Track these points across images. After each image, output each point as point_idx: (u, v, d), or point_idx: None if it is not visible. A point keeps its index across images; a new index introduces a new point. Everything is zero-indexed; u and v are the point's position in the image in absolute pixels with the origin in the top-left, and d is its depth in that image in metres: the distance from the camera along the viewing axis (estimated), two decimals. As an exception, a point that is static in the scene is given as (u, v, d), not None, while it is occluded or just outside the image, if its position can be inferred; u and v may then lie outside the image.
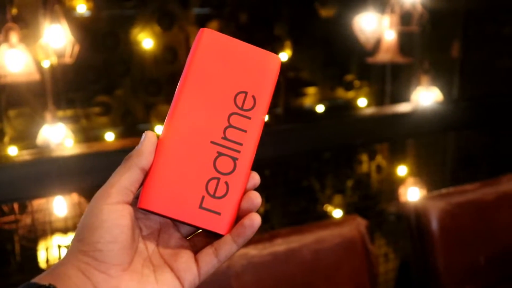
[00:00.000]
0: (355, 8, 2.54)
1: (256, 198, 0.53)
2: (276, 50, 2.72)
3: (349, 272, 1.59)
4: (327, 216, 2.75)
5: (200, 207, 0.52)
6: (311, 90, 2.95)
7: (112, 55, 2.62)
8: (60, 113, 2.33)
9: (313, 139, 2.20)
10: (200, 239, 0.55)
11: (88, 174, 1.78)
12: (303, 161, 2.70)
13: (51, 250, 2.07)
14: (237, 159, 0.53)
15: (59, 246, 2.09)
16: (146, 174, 0.52)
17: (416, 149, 2.79)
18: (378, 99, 2.89)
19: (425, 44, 2.71)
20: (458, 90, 2.73)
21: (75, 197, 2.08)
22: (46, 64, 2.09)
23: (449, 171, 2.80)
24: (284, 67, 2.77)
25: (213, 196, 0.52)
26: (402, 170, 2.70)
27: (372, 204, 2.71)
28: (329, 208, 2.78)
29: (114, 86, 2.70)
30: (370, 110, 2.63)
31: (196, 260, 0.53)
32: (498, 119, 2.57)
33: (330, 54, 2.90)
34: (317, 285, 1.50)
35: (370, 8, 2.49)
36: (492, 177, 2.06)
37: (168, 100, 2.80)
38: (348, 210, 2.70)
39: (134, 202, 0.53)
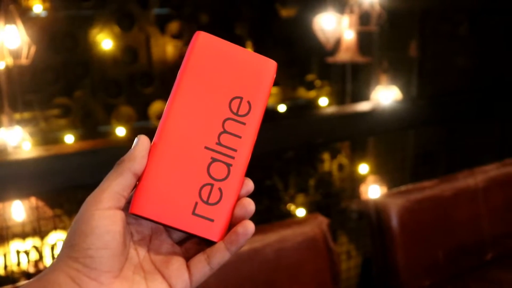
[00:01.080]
0: (315, 8, 2.56)
1: (249, 205, 0.52)
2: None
3: (312, 270, 1.60)
4: (290, 215, 2.77)
5: (193, 213, 0.51)
6: (273, 90, 2.96)
7: (70, 56, 2.58)
8: (17, 115, 2.28)
9: (275, 138, 2.21)
10: (192, 245, 0.54)
11: (47, 178, 1.75)
12: (266, 160, 2.71)
13: (9, 256, 2.02)
14: (231, 165, 0.52)
15: (18, 252, 2.05)
16: (139, 179, 0.51)
17: (377, 147, 2.84)
18: (339, 98, 2.92)
19: (383, 44, 2.75)
20: (416, 88, 2.78)
21: (33, 201, 2.03)
22: (1, 66, 2.04)
23: (409, 168, 2.86)
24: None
25: (207, 202, 0.52)
26: (363, 168, 2.73)
27: (334, 202, 2.74)
28: (292, 207, 2.80)
29: (73, 88, 2.66)
30: (331, 109, 2.65)
31: (188, 267, 0.52)
32: (454, 116, 2.63)
33: (291, 54, 2.91)
34: (280, 283, 1.51)
35: (330, 8, 2.52)
36: (450, 173, 2.11)
37: (129, 101, 2.77)
38: (311, 209, 2.73)
39: (126, 207, 0.51)
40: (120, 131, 2.68)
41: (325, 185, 2.83)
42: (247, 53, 0.56)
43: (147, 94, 2.79)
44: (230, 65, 0.54)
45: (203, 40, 0.55)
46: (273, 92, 2.96)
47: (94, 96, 2.71)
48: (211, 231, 0.51)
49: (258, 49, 2.77)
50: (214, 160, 0.52)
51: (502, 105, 2.71)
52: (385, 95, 2.56)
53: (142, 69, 2.79)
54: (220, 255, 0.51)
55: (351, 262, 2.53)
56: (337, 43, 2.57)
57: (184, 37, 2.71)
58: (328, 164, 2.90)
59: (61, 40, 2.52)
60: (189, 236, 0.54)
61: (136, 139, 0.52)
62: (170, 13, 2.74)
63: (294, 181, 2.85)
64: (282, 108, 2.91)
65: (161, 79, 2.80)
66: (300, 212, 2.72)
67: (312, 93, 3.04)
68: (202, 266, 0.51)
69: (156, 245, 0.53)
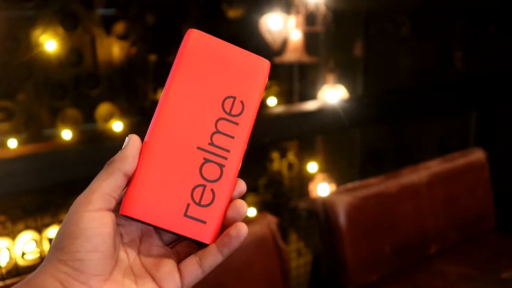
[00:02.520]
0: (262, 8, 2.58)
1: (242, 207, 0.51)
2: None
3: (261, 269, 1.61)
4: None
5: (185, 215, 0.50)
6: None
7: (12, 58, 2.50)
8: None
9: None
10: (183, 247, 0.53)
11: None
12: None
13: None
14: (224, 166, 0.52)
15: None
16: (129, 179, 0.50)
17: (325, 145, 2.88)
18: (287, 98, 2.95)
19: (329, 44, 2.79)
20: (361, 87, 2.83)
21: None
22: None
23: (357, 165, 2.91)
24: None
25: (199, 204, 0.51)
26: (312, 166, 2.77)
27: (284, 201, 2.76)
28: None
29: (16, 91, 2.58)
30: (279, 109, 2.68)
31: (179, 270, 0.51)
32: (398, 114, 2.70)
33: (239, 54, 2.91)
34: (230, 285, 1.52)
35: (276, 8, 2.54)
36: (395, 169, 2.17)
37: (75, 103, 2.72)
38: (262, 209, 2.74)
39: (116, 208, 0.50)
40: (66, 134, 2.62)
41: (274, 184, 2.85)
42: (240, 51, 0.55)
43: (93, 96, 2.74)
44: (223, 63, 0.54)
45: (195, 38, 0.54)
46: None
47: (38, 99, 2.64)
48: (203, 233, 0.50)
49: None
50: (206, 160, 0.52)
51: (443, 103, 2.79)
52: (332, 94, 2.60)
53: (88, 70, 2.73)
54: (212, 257, 0.50)
55: (301, 260, 2.55)
56: (284, 43, 2.59)
57: (130, 37, 2.68)
58: (278, 163, 2.92)
59: (2, 41, 2.45)
60: (181, 238, 0.53)
61: (127, 139, 0.50)
62: (115, 14, 2.70)
63: (244, 181, 2.86)
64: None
65: (107, 81, 2.76)
66: (251, 212, 2.74)
67: (260, 93, 3.05)
68: (194, 268, 0.50)
69: (147, 247, 0.52)
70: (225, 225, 0.51)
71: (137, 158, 0.50)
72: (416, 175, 2.12)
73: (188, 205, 0.51)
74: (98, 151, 1.86)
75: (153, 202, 0.50)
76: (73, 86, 2.68)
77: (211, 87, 0.53)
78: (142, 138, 0.52)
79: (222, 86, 0.53)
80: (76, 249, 0.46)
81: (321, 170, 2.77)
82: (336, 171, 2.79)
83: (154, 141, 0.51)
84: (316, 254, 2.49)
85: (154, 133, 0.51)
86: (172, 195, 0.50)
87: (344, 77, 2.71)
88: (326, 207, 1.89)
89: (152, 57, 2.70)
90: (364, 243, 1.94)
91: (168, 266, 0.51)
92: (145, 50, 2.66)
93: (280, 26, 2.55)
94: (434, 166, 2.21)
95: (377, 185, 2.02)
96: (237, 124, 0.53)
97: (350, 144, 2.90)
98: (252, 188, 2.86)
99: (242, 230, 0.50)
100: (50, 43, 2.56)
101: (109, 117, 2.70)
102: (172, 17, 2.73)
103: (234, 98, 0.53)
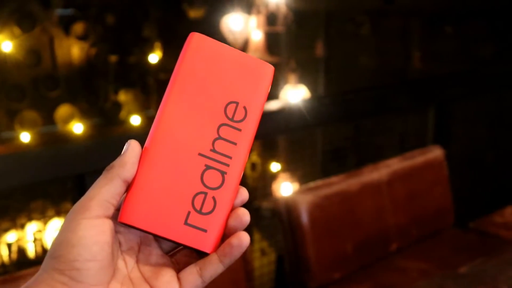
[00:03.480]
0: (223, 9, 2.58)
1: (244, 216, 0.49)
2: (145, 52, 2.68)
3: (224, 270, 1.61)
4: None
5: (185, 223, 0.49)
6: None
7: (-33, 60, 2.44)
8: None
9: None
10: (183, 256, 0.51)
11: None
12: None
13: None
14: (225, 173, 0.50)
15: None
16: (129, 186, 0.48)
17: (287, 145, 2.89)
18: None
19: (291, 44, 2.81)
20: (323, 87, 2.86)
21: None
22: None
23: (318, 164, 2.94)
24: (155, 68, 2.74)
25: (200, 212, 0.49)
26: (275, 166, 2.78)
27: (247, 201, 2.77)
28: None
29: (-29, 93, 2.51)
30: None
31: (179, 279, 0.49)
32: (359, 112, 2.74)
33: (201, 54, 2.91)
34: (193, 286, 1.51)
35: (237, 9, 2.54)
36: (357, 168, 2.20)
37: (34, 105, 2.66)
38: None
39: (115, 215, 0.48)
40: (25, 137, 2.57)
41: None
42: (244, 56, 0.53)
43: (52, 97, 2.70)
44: (225, 68, 0.52)
45: (197, 41, 0.52)
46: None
47: (-5, 101, 2.58)
48: (204, 242, 0.49)
49: (167, 51, 2.75)
50: (208, 167, 0.50)
51: (402, 101, 2.85)
52: (294, 94, 2.62)
53: (47, 72, 2.68)
54: (213, 267, 0.48)
55: (265, 259, 2.57)
56: (245, 43, 2.60)
57: (90, 38, 2.64)
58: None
59: (-44, 42, 2.38)
60: (181, 247, 0.52)
61: (126, 145, 0.49)
62: (74, 14, 2.66)
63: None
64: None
65: (67, 82, 2.71)
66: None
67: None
68: (194, 278, 0.48)
69: (145, 255, 0.51)
70: (227, 233, 0.50)
71: (137, 164, 0.49)
72: (376, 173, 2.16)
73: (189, 213, 0.49)
74: (58, 153, 1.83)
75: (153, 210, 0.48)
76: (31, 88, 2.63)
77: (213, 92, 0.51)
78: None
79: (224, 91, 0.52)
80: (73, 258, 0.45)
81: (284, 169, 2.78)
82: (298, 170, 2.81)
83: (154, 146, 0.49)
84: (280, 253, 2.50)
85: (154, 138, 0.50)
86: (172, 203, 0.49)
87: (305, 77, 2.73)
88: (288, 206, 1.90)
89: (113, 58, 2.67)
90: (326, 242, 1.96)
91: (168, 275, 0.49)
92: (105, 51, 2.63)
93: (241, 26, 2.56)
94: (394, 164, 2.25)
95: (338, 183, 2.05)
96: (239, 130, 0.52)
97: (312, 143, 2.93)
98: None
99: (244, 239, 0.48)
100: (6, 44, 2.50)
101: (69, 119, 2.66)
102: (132, 17, 2.71)
103: (237, 103, 0.52)
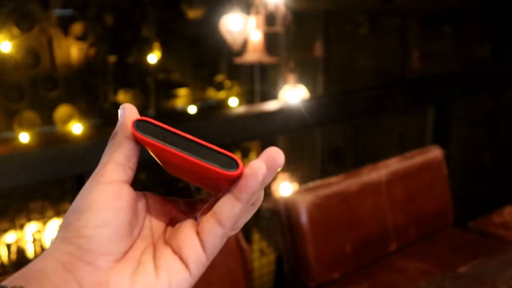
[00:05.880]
0: (222, 9, 2.58)
1: (277, 154, 0.42)
2: (144, 52, 2.68)
3: (224, 270, 1.61)
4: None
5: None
6: (183, 92, 2.95)
7: (-34, 60, 2.44)
8: None
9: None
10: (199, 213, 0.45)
11: None
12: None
13: None
14: None
15: None
16: None
17: (287, 145, 2.90)
18: (248, 98, 2.96)
19: (290, 44, 2.81)
20: (322, 87, 2.86)
21: None
22: None
23: (318, 165, 2.94)
24: (154, 68, 2.74)
25: None
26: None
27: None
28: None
29: (-30, 93, 2.51)
30: (241, 109, 2.68)
31: (198, 233, 0.43)
32: (358, 112, 2.74)
33: (199, 55, 2.91)
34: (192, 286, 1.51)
35: (236, 9, 2.54)
36: (356, 168, 2.20)
37: (32, 105, 2.66)
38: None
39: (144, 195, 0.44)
40: (24, 137, 2.57)
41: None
42: None
43: (51, 98, 2.69)
44: None
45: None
46: (182, 94, 2.95)
47: (-6, 101, 2.58)
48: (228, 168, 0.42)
49: (166, 51, 2.75)
50: None
51: (401, 101, 2.85)
52: (293, 94, 2.62)
53: (45, 72, 2.68)
54: (228, 207, 0.41)
55: (264, 259, 2.57)
56: (244, 43, 2.60)
57: (89, 38, 2.64)
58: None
59: (-45, 43, 2.38)
60: (196, 204, 0.47)
61: (120, 109, 0.45)
62: (73, 14, 2.66)
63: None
64: (192, 109, 2.91)
65: (66, 82, 2.71)
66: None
67: (222, 94, 3.05)
68: (211, 226, 0.42)
69: (174, 230, 0.45)
70: None
71: None
72: (375, 173, 2.16)
73: None
74: (57, 153, 1.83)
75: None
76: (30, 88, 2.63)
77: None
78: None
79: None
80: (82, 224, 0.40)
81: (283, 169, 2.79)
82: (297, 170, 2.81)
83: None
84: (279, 253, 2.50)
85: None
86: None
87: (304, 77, 2.73)
88: (288, 206, 1.90)
89: (112, 58, 2.67)
90: (325, 242, 1.96)
91: (186, 230, 0.43)
92: (104, 51, 2.63)
93: (240, 26, 2.56)
94: (393, 164, 2.25)
95: (337, 184, 2.05)
96: None
97: (311, 143, 2.93)
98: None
99: (257, 167, 0.41)
100: (5, 44, 2.50)
101: (68, 119, 2.65)
102: (131, 18, 2.71)
103: None
